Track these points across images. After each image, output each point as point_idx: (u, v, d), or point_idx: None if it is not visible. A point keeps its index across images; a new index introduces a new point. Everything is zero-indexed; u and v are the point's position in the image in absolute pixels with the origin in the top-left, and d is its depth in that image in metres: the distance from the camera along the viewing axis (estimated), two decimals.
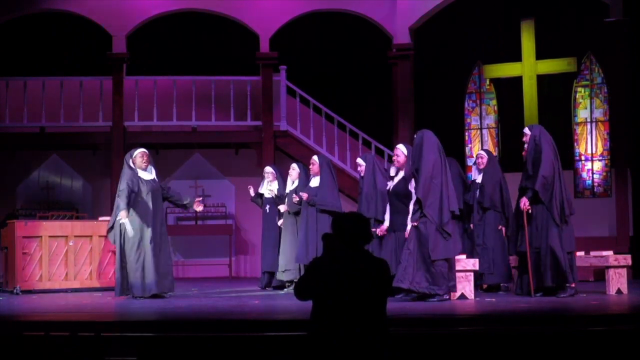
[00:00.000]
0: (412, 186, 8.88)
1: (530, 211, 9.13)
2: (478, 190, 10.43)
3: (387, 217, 9.26)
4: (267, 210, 11.41)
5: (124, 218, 9.53)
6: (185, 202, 10.25)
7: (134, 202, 9.66)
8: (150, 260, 9.58)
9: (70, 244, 10.98)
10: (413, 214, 8.62)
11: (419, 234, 8.54)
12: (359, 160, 9.94)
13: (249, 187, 11.71)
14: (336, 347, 4.55)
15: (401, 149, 9.26)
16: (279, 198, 11.15)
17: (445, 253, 8.55)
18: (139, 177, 9.79)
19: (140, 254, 9.56)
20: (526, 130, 9.44)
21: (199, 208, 10.41)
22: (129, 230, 9.53)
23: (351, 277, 4.64)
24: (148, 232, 9.63)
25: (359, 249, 4.77)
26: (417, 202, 8.57)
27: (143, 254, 9.58)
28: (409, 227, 8.77)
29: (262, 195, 11.54)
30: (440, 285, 8.50)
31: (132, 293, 9.56)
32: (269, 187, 11.43)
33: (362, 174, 9.83)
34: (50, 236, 10.91)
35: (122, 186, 9.67)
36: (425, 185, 8.57)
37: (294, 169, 11.08)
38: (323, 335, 4.60)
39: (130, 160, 9.84)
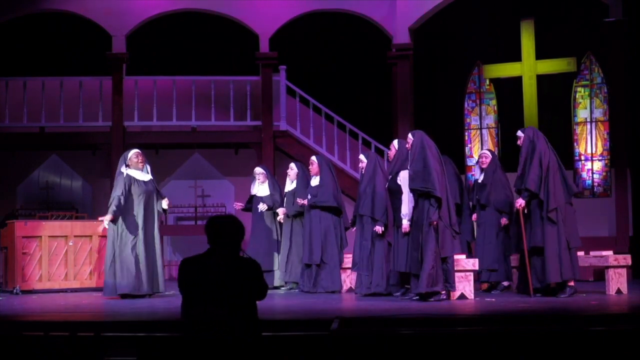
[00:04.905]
0: (399, 180, 8.96)
1: (526, 211, 9.17)
2: (478, 189, 10.44)
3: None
4: (260, 210, 11.32)
5: (107, 221, 9.54)
6: (162, 209, 10.06)
7: (125, 204, 9.65)
8: (143, 261, 9.61)
9: (70, 244, 10.98)
10: (434, 212, 8.57)
11: (436, 232, 8.57)
12: (361, 157, 9.91)
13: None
14: (208, 346, 4.68)
15: (394, 144, 9.45)
16: (272, 206, 11.15)
17: (451, 250, 8.67)
18: (133, 178, 9.77)
19: (130, 254, 9.58)
20: (519, 133, 9.47)
21: (166, 205, 10.06)
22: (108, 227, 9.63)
23: (217, 277, 4.87)
24: (139, 234, 9.63)
25: (227, 248, 5.09)
26: (437, 200, 8.57)
27: (135, 255, 9.59)
28: (404, 222, 8.84)
29: (252, 197, 11.46)
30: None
31: (118, 291, 9.55)
32: (259, 193, 11.39)
33: (363, 171, 9.81)
34: (50, 236, 10.92)
35: (117, 192, 9.66)
36: (440, 183, 8.63)
37: (292, 169, 11.05)
38: (195, 334, 4.72)
39: (125, 163, 9.82)
